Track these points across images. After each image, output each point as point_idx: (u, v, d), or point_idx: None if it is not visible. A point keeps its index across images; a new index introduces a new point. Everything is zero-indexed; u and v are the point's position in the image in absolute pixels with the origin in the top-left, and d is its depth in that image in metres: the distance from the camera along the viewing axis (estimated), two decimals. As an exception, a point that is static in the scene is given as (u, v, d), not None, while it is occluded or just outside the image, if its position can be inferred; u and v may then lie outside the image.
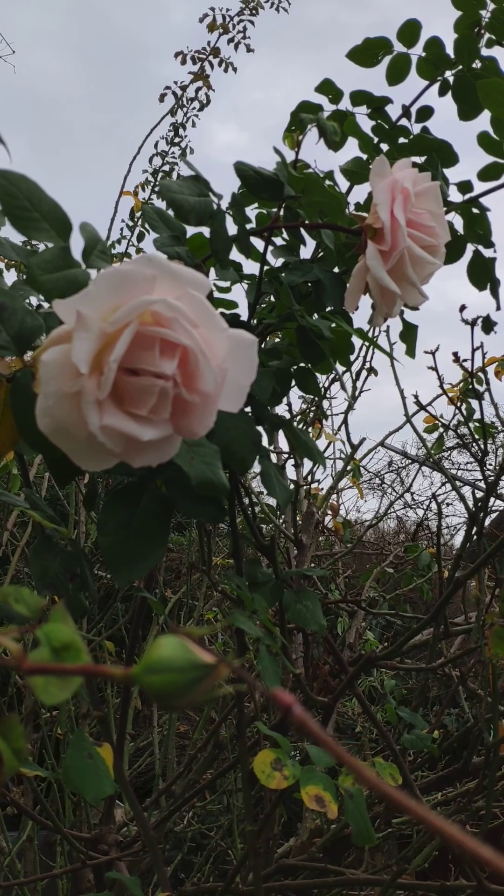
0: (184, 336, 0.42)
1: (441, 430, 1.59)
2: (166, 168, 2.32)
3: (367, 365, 1.51)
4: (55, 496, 2.00)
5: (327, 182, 0.76)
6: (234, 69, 2.54)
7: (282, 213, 0.68)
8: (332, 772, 0.77)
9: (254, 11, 2.61)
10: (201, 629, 0.26)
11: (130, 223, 2.13)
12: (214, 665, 0.24)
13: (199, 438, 0.56)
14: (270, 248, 0.76)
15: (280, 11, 2.72)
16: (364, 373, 1.51)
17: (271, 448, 1.53)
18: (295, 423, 1.54)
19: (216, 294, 0.87)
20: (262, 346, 0.90)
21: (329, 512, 1.68)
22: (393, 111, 0.97)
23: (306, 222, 0.68)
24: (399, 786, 0.94)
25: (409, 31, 0.98)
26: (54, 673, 0.28)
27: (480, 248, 0.89)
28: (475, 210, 0.89)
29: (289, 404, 1.39)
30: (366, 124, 0.94)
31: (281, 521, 1.45)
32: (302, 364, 0.81)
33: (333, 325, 0.76)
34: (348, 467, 1.58)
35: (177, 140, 2.38)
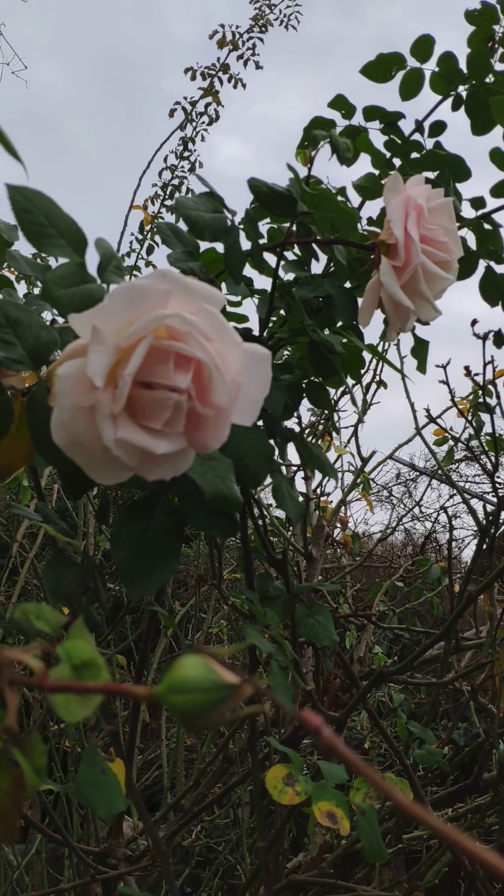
0: (198, 350, 0.43)
1: (451, 442, 1.59)
2: (175, 182, 2.33)
3: (377, 378, 1.51)
4: (63, 508, 2.00)
5: (339, 198, 0.76)
6: (244, 85, 2.56)
7: (294, 228, 0.68)
8: (343, 787, 0.77)
9: (263, 28, 2.63)
10: (225, 649, 0.26)
11: (140, 237, 2.14)
12: (238, 685, 0.24)
13: (213, 452, 0.56)
14: (282, 263, 0.76)
15: (289, 29, 2.74)
16: (374, 386, 1.51)
17: (281, 462, 1.53)
18: (305, 437, 1.54)
19: (227, 308, 0.87)
20: (273, 360, 0.90)
21: (338, 525, 1.68)
22: (406, 126, 0.97)
23: (319, 238, 0.68)
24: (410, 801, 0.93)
25: (423, 46, 0.99)
26: (76, 691, 0.28)
27: (492, 263, 0.89)
28: (487, 226, 0.89)
29: (298, 417, 1.39)
30: (378, 140, 0.95)
31: (290, 533, 1.44)
32: (313, 378, 0.82)
33: (345, 340, 0.77)
34: (358, 480, 1.57)
35: (186, 154, 2.39)
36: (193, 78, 2.51)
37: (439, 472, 1.59)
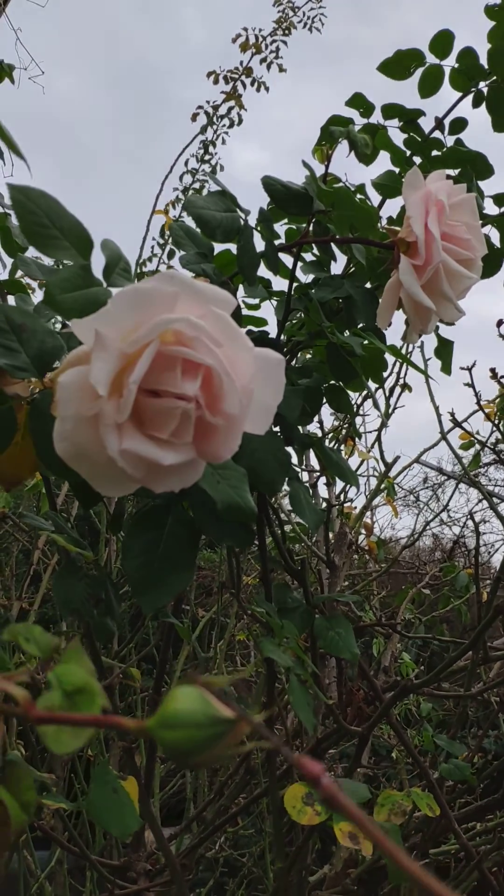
0: (207, 356, 0.41)
1: (477, 446, 1.56)
2: (196, 186, 2.32)
3: (401, 381, 1.48)
4: (88, 515, 1.99)
5: (358, 196, 0.74)
6: (267, 88, 2.54)
7: (311, 227, 0.66)
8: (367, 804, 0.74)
9: (287, 32, 2.62)
10: (222, 678, 0.23)
11: (161, 241, 2.13)
12: (236, 720, 0.22)
13: (226, 461, 0.54)
14: (300, 264, 0.74)
15: (313, 31, 2.72)
16: (398, 389, 1.48)
17: (303, 467, 1.51)
18: (327, 441, 1.51)
19: (245, 311, 0.86)
20: (293, 363, 0.88)
21: (363, 531, 1.65)
22: (425, 124, 0.95)
23: (336, 237, 0.66)
24: (437, 816, 0.91)
25: (442, 42, 0.97)
26: (63, 723, 0.26)
27: (518, 261, 0.86)
28: (512, 222, 0.86)
29: (320, 422, 1.37)
30: (398, 138, 0.93)
31: (313, 540, 1.42)
32: (333, 382, 0.79)
33: (365, 342, 0.74)
34: (382, 485, 1.55)
35: (206, 157, 2.38)
36: (216, 82, 2.49)
37: (466, 476, 1.56)
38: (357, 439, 1.54)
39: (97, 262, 0.47)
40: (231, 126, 2.44)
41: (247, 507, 0.52)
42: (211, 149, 2.39)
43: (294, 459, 0.81)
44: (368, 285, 0.77)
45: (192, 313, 0.41)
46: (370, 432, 1.59)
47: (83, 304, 0.44)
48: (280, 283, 0.79)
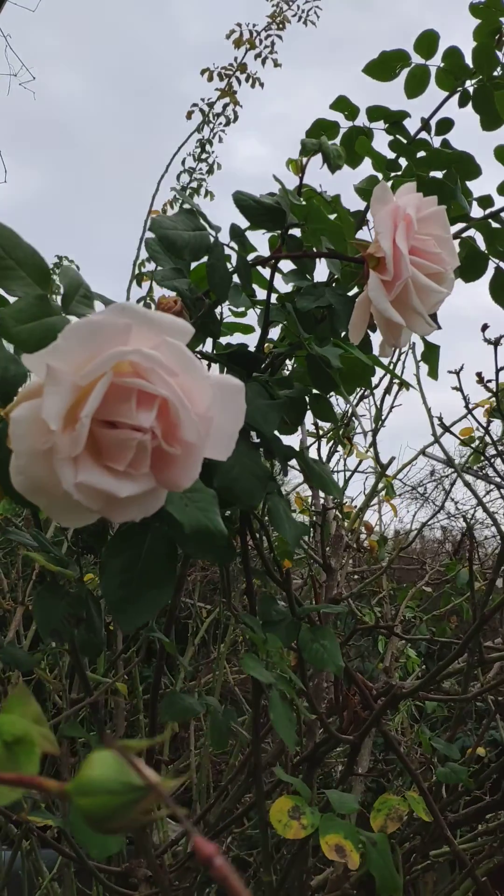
0: (161, 386, 0.40)
1: (477, 442, 1.55)
2: (194, 185, 2.31)
3: (396, 381, 1.47)
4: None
5: (339, 205, 0.73)
6: (262, 84, 2.53)
7: (285, 240, 0.66)
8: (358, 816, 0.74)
9: (281, 26, 2.60)
10: (139, 743, 0.23)
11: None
12: (149, 787, 0.22)
13: (195, 483, 0.54)
14: (283, 273, 0.74)
15: (308, 25, 2.70)
16: (395, 387, 1.47)
17: (282, 475, 1.48)
18: (325, 441, 1.51)
19: (232, 319, 0.85)
20: (283, 372, 0.88)
21: (364, 530, 1.65)
22: (412, 125, 0.94)
23: (307, 252, 0.65)
24: (430, 821, 0.91)
25: (427, 42, 0.96)
26: (-13, 781, 0.26)
27: (502, 264, 0.86)
28: (496, 224, 0.85)
29: (315, 423, 1.36)
30: (384, 139, 0.92)
31: (314, 542, 1.41)
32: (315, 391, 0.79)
33: (349, 351, 0.74)
34: (380, 486, 1.54)
35: (203, 156, 2.37)
36: (210, 79, 2.48)
37: (466, 470, 1.55)
38: (347, 443, 1.53)
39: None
40: (227, 124, 2.43)
41: (216, 530, 0.52)
42: (208, 147, 2.38)
43: (275, 472, 0.80)
44: (353, 292, 0.77)
45: (146, 345, 0.41)
46: (368, 432, 1.58)
47: (40, 334, 0.43)
48: (265, 292, 0.79)
